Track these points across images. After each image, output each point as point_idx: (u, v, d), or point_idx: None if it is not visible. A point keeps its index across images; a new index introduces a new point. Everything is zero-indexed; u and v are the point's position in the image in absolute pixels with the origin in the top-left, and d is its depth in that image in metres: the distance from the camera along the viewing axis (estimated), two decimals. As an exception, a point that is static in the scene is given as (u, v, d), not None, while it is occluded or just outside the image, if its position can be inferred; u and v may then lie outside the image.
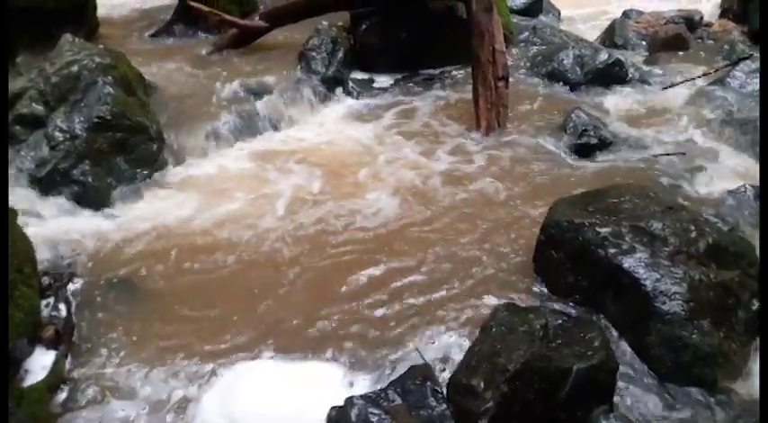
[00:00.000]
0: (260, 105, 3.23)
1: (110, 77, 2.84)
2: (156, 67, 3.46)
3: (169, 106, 3.14)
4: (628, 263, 1.93)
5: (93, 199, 2.63)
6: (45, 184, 2.60)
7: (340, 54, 3.64)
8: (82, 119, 2.72)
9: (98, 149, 2.71)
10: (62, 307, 2.10)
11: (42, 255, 2.20)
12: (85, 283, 2.19)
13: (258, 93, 3.31)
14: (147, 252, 2.33)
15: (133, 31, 4.17)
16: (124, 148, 2.77)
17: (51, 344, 1.96)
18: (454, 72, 3.77)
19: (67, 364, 1.89)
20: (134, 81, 3.02)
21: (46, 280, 2.19)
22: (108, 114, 2.75)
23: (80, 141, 2.68)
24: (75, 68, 2.83)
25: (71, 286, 2.19)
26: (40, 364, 1.87)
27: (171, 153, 2.91)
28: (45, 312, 2.06)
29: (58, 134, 2.69)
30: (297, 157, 2.94)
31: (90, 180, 2.65)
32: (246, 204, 2.59)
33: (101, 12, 4.16)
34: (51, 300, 2.13)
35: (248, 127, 3.14)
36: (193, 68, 3.52)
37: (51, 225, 2.47)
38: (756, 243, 2.07)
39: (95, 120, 2.73)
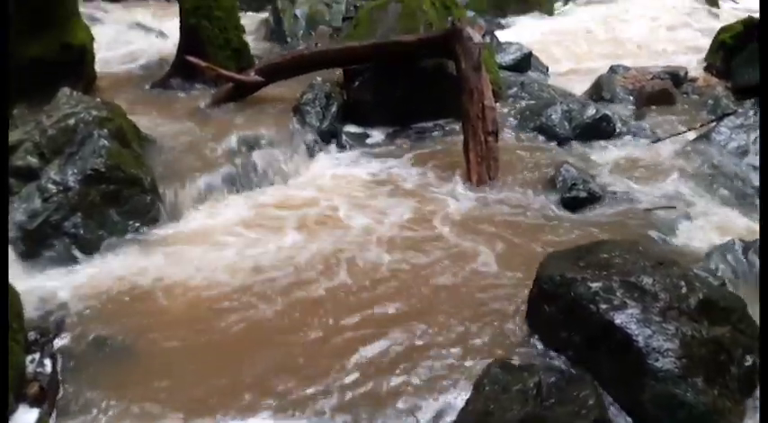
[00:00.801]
0: (255, 158, 3.27)
1: (105, 130, 2.88)
2: (153, 120, 3.50)
3: (164, 158, 3.17)
4: (620, 319, 1.92)
5: (83, 252, 2.63)
6: (35, 237, 2.59)
7: (334, 108, 3.71)
8: (76, 171, 2.74)
9: (91, 202, 2.72)
10: (48, 363, 2.07)
11: (30, 309, 2.18)
12: (73, 339, 2.16)
13: (253, 145, 3.35)
14: (137, 308, 2.30)
15: (131, 84, 4.25)
16: (117, 201, 2.78)
17: (36, 401, 1.92)
18: (445, 126, 3.84)
19: (51, 422, 1.85)
20: (130, 133, 3.06)
21: (32, 335, 2.16)
22: (102, 167, 2.77)
23: (73, 193, 2.70)
24: (71, 121, 2.87)
25: (58, 342, 2.16)
26: (23, 421, 1.82)
27: (164, 205, 2.91)
28: (30, 368, 2.02)
29: (51, 186, 2.70)
30: (290, 210, 2.95)
31: (81, 232, 2.65)
32: (238, 259, 2.58)
33: (99, 64, 4.24)
34: (37, 355, 2.10)
35: (243, 179, 3.17)
36: (189, 121, 3.57)
37: (40, 278, 2.45)
38: (746, 298, 2.08)
39: (89, 172, 2.75)
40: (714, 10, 7.83)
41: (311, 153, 3.46)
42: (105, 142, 2.84)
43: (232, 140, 3.35)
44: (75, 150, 2.81)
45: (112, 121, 2.96)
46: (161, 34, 5.35)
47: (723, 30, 5.28)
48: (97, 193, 2.75)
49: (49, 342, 2.14)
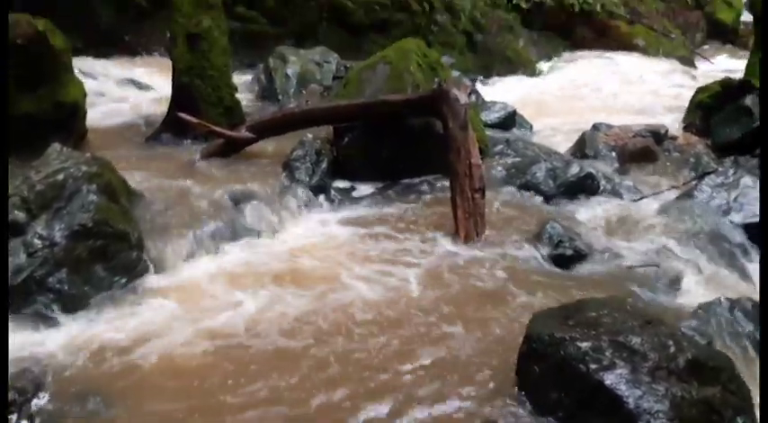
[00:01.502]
0: (243, 213, 3.27)
1: (94, 185, 2.89)
2: (143, 175, 3.52)
3: (152, 213, 3.17)
4: (609, 379, 1.92)
5: (67, 308, 2.59)
6: (19, 292, 2.56)
7: (323, 164, 3.76)
8: (63, 226, 2.73)
9: (77, 257, 2.70)
10: (25, 424, 2.00)
11: (9, 366, 2.12)
12: (52, 398, 2.09)
13: (242, 200, 3.37)
14: (119, 367, 2.25)
15: (122, 139, 4.29)
16: (104, 256, 2.77)
17: (10, 467, 1.85)
18: (433, 182, 3.88)
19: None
20: (119, 188, 3.07)
21: (11, 394, 2.10)
22: (90, 222, 2.77)
23: (59, 249, 2.68)
24: (60, 177, 2.87)
25: (36, 402, 2.10)
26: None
27: (151, 261, 2.90)
28: (6, 431, 1.96)
29: (36, 241, 2.69)
30: (278, 265, 2.94)
31: (66, 288, 2.62)
32: (222, 318, 2.55)
33: (91, 119, 4.29)
34: (14, 417, 2.04)
35: (231, 234, 3.16)
36: (179, 176, 3.59)
37: (21, 335, 2.40)
38: (734, 357, 2.08)
39: (76, 227, 2.74)
40: (691, 70, 8.15)
41: (300, 208, 3.48)
42: (94, 197, 2.84)
43: (221, 195, 3.36)
44: (63, 205, 2.80)
45: (102, 177, 2.97)
46: (153, 90, 5.44)
47: (701, 90, 5.47)
48: (84, 248, 2.73)
49: (27, 402, 2.08)
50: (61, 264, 2.66)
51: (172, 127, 4.16)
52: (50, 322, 2.52)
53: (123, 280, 2.78)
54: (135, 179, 3.37)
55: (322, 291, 2.75)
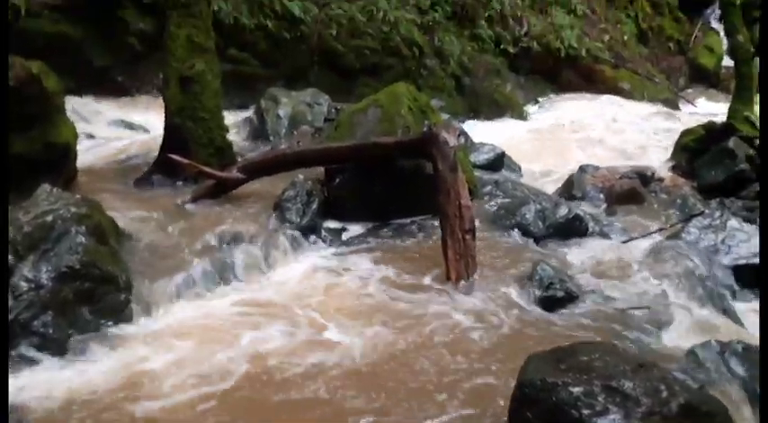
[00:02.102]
0: (232, 254, 3.26)
1: (83, 227, 2.88)
2: (132, 216, 3.51)
3: (141, 255, 3.15)
4: (603, 425, 1.89)
5: (51, 352, 2.54)
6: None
7: (314, 205, 3.76)
8: (50, 268, 2.70)
9: (63, 299, 2.67)
10: (2, 477, 1.94)
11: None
12: (32, 447, 2.04)
13: (232, 242, 3.36)
14: (102, 414, 2.20)
15: (112, 180, 4.28)
16: (90, 299, 2.74)
17: None
18: (422, 222, 3.89)
19: None
20: (108, 230, 3.06)
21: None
22: (77, 264, 2.75)
23: (45, 291, 2.64)
24: (49, 218, 2.86)
25: (15, 450, 2.04)
26: None
27: (139, 303, 2.86)
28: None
29: (23, 284, 2.65)
30: (267, 307, 2.92)
31: (51, 332, 2.58)
32: (212, 360, 2.51)
33: (82, 159, 4.29)
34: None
35: (220, 276, 3.14)
36: (169, 217, 3.57)
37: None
38: (726, 401, 2.07)
39: (64, 269, 2.72)
40: (675, 113, 8.34)
41: (290, 249, 3.46)
42: (82, 239, 2.83)
43: (210, 237, 3.35)
44: (51, 247, 2.78)
45: (91, 218, 2.96)
46: (145, 130, 5.47)
47: (685, 133, 5.60)
48: (70, 290, 2.70)
49: (5, 451, 2.02)
50: (47, 306, 2.62)
51: (163, 168, 4.17)
52: (33, 366, 2.46)
53: (110, 323, 2.74)
54: (125, 220, 3.36)
55: (310, 337, 2.71)
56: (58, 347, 2.56)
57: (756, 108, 6.17)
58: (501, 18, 8.28)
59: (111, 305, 2.78)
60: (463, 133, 5.60)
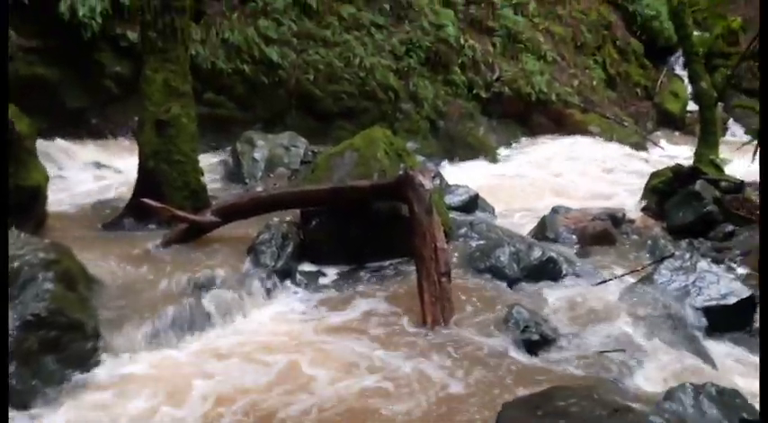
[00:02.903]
0: (206, 299, 3.20)
1: (51, 273, 2.81)
2: (103, 261, 3.44)
3: (111, 301, 3.08)
4: (580, 473, 1.87)
5: (13, 404, 2.43)
6: (-38, 388, 2.41)
7: (290, 248, 3.74)
8: (15, 317, 2.62)
9: (27, 349, 2.58)
10: None
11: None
12: None
13: (205, 286, 3.31)
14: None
15: (83, 224, 4.21)
16: (56, 347, 2.65)
17: None
18: (398, 265, 3.89)
19: None
20: (77, 275, 2.99)
21: None
22: (44, 312, 2.67)
23: (10, 341, 2.55)
24: (16, 264, 2.79)
25: None
26: None
27: (107, 351, 2.79)
28: None
29: (-15, 333, 2.57)
30: (238, 358, 2.85)
31: (13, 383, 2.48)
32: (180, 414, 2.44)
33: (53, 203, 4.22)
34: None
35: (192, 323, 3.07)
36: (140, 262, 3.52)
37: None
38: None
39: (29, 317, 2.64)
40: (643, 155, 8.57)
41: (264, 294, 3.42)
42: (50, 285, 2.76)
43: (182, 281, 3.30)
44: (17, 294, 2.70)
45: (59, 264, 2.90)
46: (119, 174, 5.42)
47: (654, 175, 5.74)
48: (36, 339, 2.62)
49: None
50: (10, 357, 2.53)
51: (135, 212, 4.12)
52: (-6, 420, 2.36)
53: (76, 372, 2.66)
54: (95, 265, 3.29)
55: (280, 386, 2.65)
56: (20, 400, 2.47)
57: (720, 150, 6.39)
58: (473, 64, 8.50)
59: (77, 354, 2.70)
60: (438, 175, 5.67)
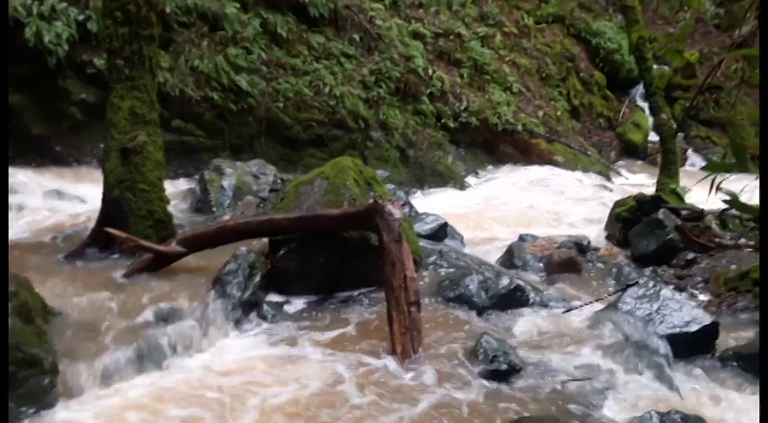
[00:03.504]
0: (168, 332, 3.12)
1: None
2: (63, 292, 3.35)
3: (70, 334, 2.99)
4: None
5: (-37, 446, 2.34)
6: None
7: (257, 278, 3.69)
8: (-32, 351, 2.53)
9: (-20, 386, 2.48)
10: None
11: None
12: None
13: (168, 318, 3.24)
14: None
15: (44, 254, 4.10)
16: (12, 384, 2.55)
17: None
18: (368, 294, 3.87)
19: None
20: (35, 308, 2.90)
21: None
22: (-1, 346, 2.58)
23: (-39, 377, 2.46)
24: (-30, 297, 2.70)
25: None
26: None
27: (65, 387, 2.69)
28: None
29: (-64, 369, 2.46)
30: (200, 393, 2.78)
31: (-36, 422, 2.38)
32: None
33: (12, 233, 4.11)
34: None
35: (154, 356, 2.99)
36: (103, 293, 3.43)
37: None
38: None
39: (-17, 352, 2.55)
40: (607, 184, 8.77)
41: (229, 326, 3.36)
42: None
43: (144, 314, 3.23)
44: (-29, 328, 2.61)
45: (17, 296, 2.80)
46: (83, 202, 5.31)
47: (618, 204, 5.86)
48: (-11, 375, 2.52)
49: None
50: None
51: (99, 241, 4.03)
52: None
53: (31, 410, 2.56)
54: (54, 297, 3.20)
55: (249, 414, 2.60)
56: (-29, 439, 2.36)
57: (680, 180, 6.58)
58: (442, 94, 8.66)
59: (33, 390, 2.60)
60: (408, 203, 5.71)
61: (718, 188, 1.86)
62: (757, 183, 2.06)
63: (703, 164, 10.42)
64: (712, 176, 2.21)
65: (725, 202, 1.94)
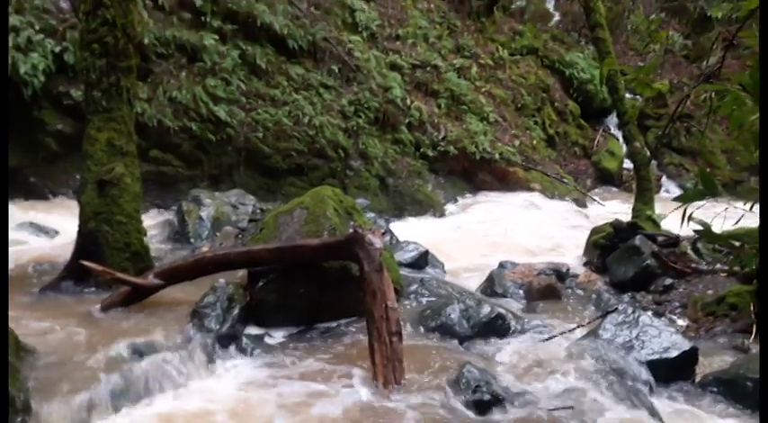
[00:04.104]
0: (144, 367, 3.05)
1: (-21, 342, 2.64)
2: (36, 328, 3.27)
3: (43, 371, 2.90)
4: None
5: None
6: None
7: (236, 311, 3.64)
8: (-65, 391, 2.43)
9: (-53, 427, 2.39)
10: None
11: None
12: None
13: (144, 353, 3.16)
14: None
15: (17, 288, 3.99)
16: (-20, 424, 2.47)
17: None
18: (349, 325, 3.84)
19: None
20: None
21: None
22: (-32, 385, 2.49)
23: (-73, 418, 2.37)
24: (-61, 334, 2.62)
25: None
26: None
27: (36, 427, 2.60)
28: None
29: None
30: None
31: (-71, 466, 2.29)
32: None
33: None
34: None
35: (130, 392, 2.91)
36: (77, 328, 3.35)
37: None
38: None
39: (-49, 392, 2.46)
40: (584, 211, 8.90)
41: (206, 361, 3.29)
42: (-24, 356, 2.59)
43: (121, 348, 3.14)
44: (-62, 367, 2.52)
45: (-12, 332, 2.73)
46: (58, 235, 5.23)
47: (595, 231, 5.94)
48: (-43, 415, 2.43)
49: None
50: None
51: (74, 274, 3.96)
52: None
53: (1, 452, 2.46)
54: (28, 332, 3.12)
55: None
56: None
57: (655, 207, 6.69)
58: (420, 124, 8.78)
59: (4, 431, 2.51)
60: (388, 232, 5.71)
61: (690, 218, 1.91)
62: (727, 208, 2.11)
63: (677, 190, 10.65)
64: (685, 206, 2.25)
65: (696, 231, 1.98)
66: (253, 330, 3.70)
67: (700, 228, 1.94)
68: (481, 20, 11.17)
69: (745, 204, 2.16)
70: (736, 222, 2.54)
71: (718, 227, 2.25)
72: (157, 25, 7.12)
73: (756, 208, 2.02)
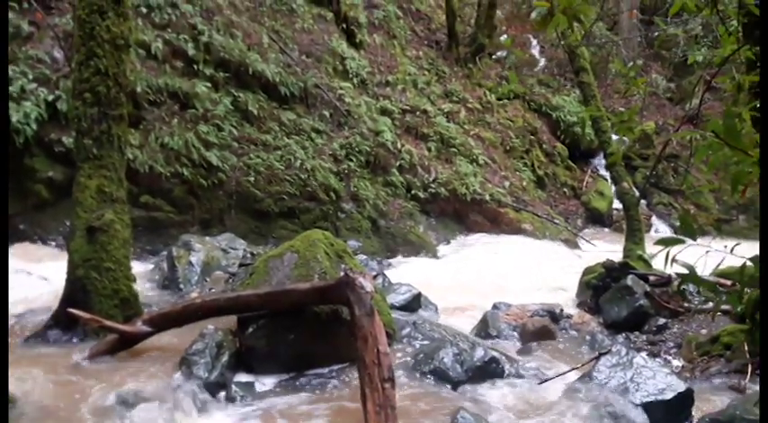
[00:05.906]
0: (133, 418, 2.98)
1: (-40, 394, 2.58)
2: (22, 377, 3.19)
3: (29, 422, 2.83)
4: None
5: None
6: None
7: (225, 358, 3.58)
8: None
9: (-76, 485, 2.32)
10: None
11: None
12: None
13: (132, 403, 3.09)
14: None
15: (1, 337, 3.93)
16: (-42, 481, 2.39)
17: None
18: (341, 372, 3.78)
19: None
20: (-11, 396, 2.75)
21: None
22: (-53, 440, 2.43)
23: None
24: None
25: None
26: None
27: (17, 483, 2.52)
28: None
29: None
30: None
31: None
32: None
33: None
34: None
35: (116, 445, 2.85)
36: (63, 377, 3.28)
37: None
38: None
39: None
40: (575, 251, 8.92)
41: (195, 410, 3.22)
42: (-43, 408, 2.53)
43: (108, 398, 3.08)
44: None
45: (-30, 383, 2.67)
46: (46, 282, 5.16)
47: (587, 271, 5.94)
48: (-66, 472, 2.36)
49: None
50: None
51: (61, 323, 3.90)
52: None
53: None
54: (13, 383, 3.04)
55: None
56: None
57: (646, 246, 6.72)
58: (411, 167, 8.87)
59: (-18, 488, 2.43)
60: (381, 274, 5.69)
61: (674, 260, 1.93)
62: (709, 250, 2.14)
63: (668, 229, 10.72)
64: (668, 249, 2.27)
65: (680, 275, 2.00)
66: (242, 377, 3.63)
67: (684, 270, 1.95)
68: (468, 66, 11.43)
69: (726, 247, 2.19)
70: (718, 265, 2.55)
71: (701, 268, 2.25)
72: (150, 73, 7.23)
73: (737, 250, 2.05)
